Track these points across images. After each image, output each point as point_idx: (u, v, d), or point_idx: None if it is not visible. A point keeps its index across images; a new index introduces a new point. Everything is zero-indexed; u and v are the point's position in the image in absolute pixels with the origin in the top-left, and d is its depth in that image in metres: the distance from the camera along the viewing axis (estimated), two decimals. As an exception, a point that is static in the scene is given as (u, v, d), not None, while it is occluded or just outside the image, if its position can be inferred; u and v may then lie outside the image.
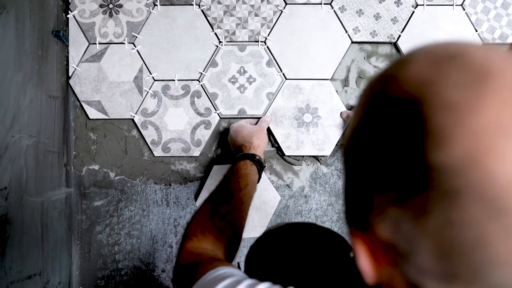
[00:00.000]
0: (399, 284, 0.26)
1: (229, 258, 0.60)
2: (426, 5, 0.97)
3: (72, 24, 0.99)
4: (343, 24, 0.97)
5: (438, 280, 0.22)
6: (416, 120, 0.21)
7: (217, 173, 0.97)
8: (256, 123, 0.94)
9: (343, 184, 0.27)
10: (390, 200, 0.22)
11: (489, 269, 0.20)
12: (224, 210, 0.64)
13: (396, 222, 0.23)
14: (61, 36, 0.94)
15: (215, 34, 0.98)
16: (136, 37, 0.98)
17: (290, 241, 0.57)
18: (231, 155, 0.89)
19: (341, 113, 0.96)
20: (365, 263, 0.26)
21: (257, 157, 0.79)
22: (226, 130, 0.99)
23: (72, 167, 1.00)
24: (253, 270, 0.55)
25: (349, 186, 0.27)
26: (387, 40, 0.97)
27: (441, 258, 0.21)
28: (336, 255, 0.52)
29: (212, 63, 0.98)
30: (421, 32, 0.96)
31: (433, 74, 0.22)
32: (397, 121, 0.22)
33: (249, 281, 0.39)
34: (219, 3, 0.98)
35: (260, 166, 0.79)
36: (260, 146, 0.83)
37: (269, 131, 0.97)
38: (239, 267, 0.52)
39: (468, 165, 0.19)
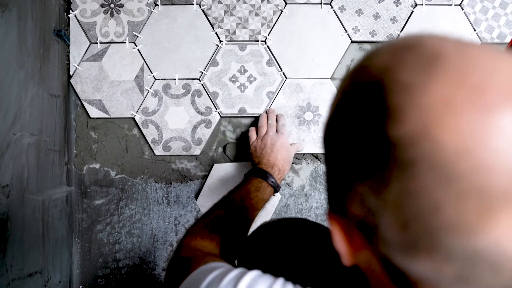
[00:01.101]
0: (375, 266, 0.27)
1: (225, 257, 0.60)
2: (425, 4, 0.97)
3: (73, 24, 0.99)
4: (343, 23, 0.98)
5: (403, 251, 0.24)
6: (378, 100, 0.23)
7: (217, 172, 0.97)
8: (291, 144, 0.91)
9: (324, 171, 0.29)
10: (359, 178, 0.25)
11: (444, 235, 0.22)
12: (228, 215, 0.65)
13: (363, 199, 0.25)
14: (63, 35, 0.94)
15: (216, 33, 0.99)
16: (137, 36, 0.99)
17: (282, 235, 0.58)
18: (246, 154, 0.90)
19: None
20: (341, 245, 0.28)
21: (279, 186, 0.79)
22: (227, 131, 1.00)
23: (73, 166, 1.00)
24: (245, 263, 0.56)
25: (328, 172, 0.29)
26: (387, 40, 0.98)
27: (402, 229, 0.23)
28: (326, 248, 0.52)
29: (212, 62, 0.99)
30: (420, 31, 0.97)
31: (392, 61, 0.24)
32: (363, 102, 0.24)
33: (237, 271, 0.39)
34: (220, 2, 0.99)
35: (275, 191, 0.79)
36: (285, 175, 0.83)
37: (256, 121, 0.96)
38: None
39: (420, 138, 0.21)
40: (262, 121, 0.92)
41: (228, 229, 0.63)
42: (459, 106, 0.21)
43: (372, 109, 0.24)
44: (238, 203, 0.68)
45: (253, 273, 0.38)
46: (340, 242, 0.28)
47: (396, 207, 0.23)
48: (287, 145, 0.87)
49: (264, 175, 0.77)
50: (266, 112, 0.95)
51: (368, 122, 0.24)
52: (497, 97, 0.21)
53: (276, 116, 0.94)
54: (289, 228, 0.59)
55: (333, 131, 0.27)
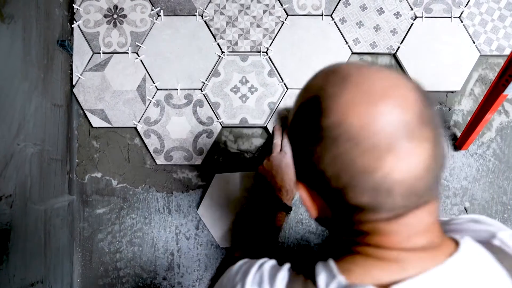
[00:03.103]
0: (328, 212, 0.42)
1: None
2: (425, 17, 0.99)
3: (76, 34, 1.00)
4: (344, 35, 0.99)
5: (338, 195, 0.38)
6: (317, 106, 0.38)
7: (219, 182, 0.98)
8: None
9: (292, 155, 0.44)
10: (311, 152, 0.39)
11: (358, 176, 0.36)
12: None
13: (316, 163, 0.39)
14: (66, 45, 0.95)
15: (218, 44, 1.00)
16: (140, 46, 1.00)
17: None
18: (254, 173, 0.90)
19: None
20: (307, 202, 0.43)
21: (290, 206, 0.83)
22: (228, 141, 1.01)
23: (75, 175, 1.01)
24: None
25: (294, 155, 0.43)
26: (387, 51, 0.99)
27: (337, 179, 0.37)
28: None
29: (214, 72, 1.00)
30: (420, 44, 0.98)
31: (323, 81, 0.40)
32: (309, 108, 0.39)
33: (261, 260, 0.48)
34: (222, 14, 1.00)
35: (287, 213, 0.84)
36: (294, 193, 0.85)
37: (271, 139, 0.98)
38: None
39: (340, 122, 0.36)
40: (277, 140, 0.91)
41: None
42: (358, 103, 0.36)
43: (314, 112, 0.38)
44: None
45: (272, 262, 0.47)
46: (306, 200, 0.43)
47: (331, 165, 0.37)
48: (291, 164, 0.86)
49: (274, 200, 0.82)
50: (278, 126, 0.94)
51: (312, 119, 0.38)
52: (376, 96, 0.36)
53: (283, 132, 0.92)
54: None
55: (295, 128, 0.41)
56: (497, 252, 0.41)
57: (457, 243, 0.41)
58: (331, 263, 0.41)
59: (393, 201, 0.36)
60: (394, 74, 0.39)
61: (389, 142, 0.35)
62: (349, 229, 0.41)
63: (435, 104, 0.41)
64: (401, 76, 0.39)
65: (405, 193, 0.36)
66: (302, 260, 0.46)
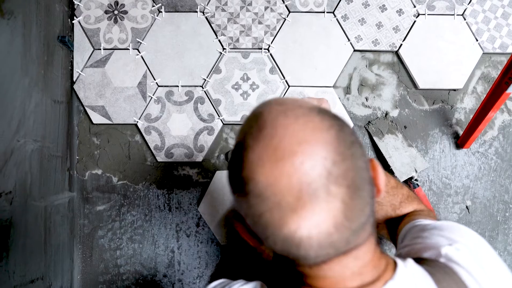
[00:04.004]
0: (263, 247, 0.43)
1: None
2: (428, 14, 0.98)
3: (77, 30, 1.00)
4: (346, 32, 0.98)
5: (261, 239, 0.39)
6: (240, 154, 0.38)
7: (219, 179, 0.97)
8: None
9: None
10: (235, 197, 0.40)
11: (268, 229, 0.36)
12: None
13: (239, 207, 0.40)
14: (66, 41, 0.94)
15: (219, 41, 0.99)
16: (141, 43, 0.99)
17: None
18: None
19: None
20: (244, 237, 0.43)
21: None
22: (229, 138, 1.00)
23: (75, 172, 1.01)
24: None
25: (233, 201, 0.42)
26: (389, 49, 0.98)
27: (254, 227, 0.38)
28: None
29: (215, 69, 0.99)
30: (422, 41, 0.97)
31: (247, 127, 0.39)
32: (235, 154, 0.39)
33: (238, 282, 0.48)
34: (223, 10, 1.00)
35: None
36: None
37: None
38: None
39: (249, 179, 0.36)
40: None
41: None
42: (265, 160, 0.36)
43: (237, 160, 0.38)
44: None
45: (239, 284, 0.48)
46: (245, 236, 0.44)
47: (246, 216, 0.38)
48: None
49: None
50: None
51: (235, 167, 0.38)
52: (283, 154, 0.35)
53: None
54: None
55: (229, 173, 0.41)
56: (439, 270, 0.42)
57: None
58: None
59: (305, 253, 0.36)
60: (311, 125, 0.37)
61: (292, 202, 0.34)
62: (291, 269, 0.42)
63: (358, 155, 0.38)
64: (318, 128, 0.37)
65: (315, 247, 0.36)
66: (273, 279, 0.47)
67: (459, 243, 0.45)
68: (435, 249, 0.45)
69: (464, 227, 0.50)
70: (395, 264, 0.42)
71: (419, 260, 0.44)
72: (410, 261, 0.42)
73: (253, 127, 0.38)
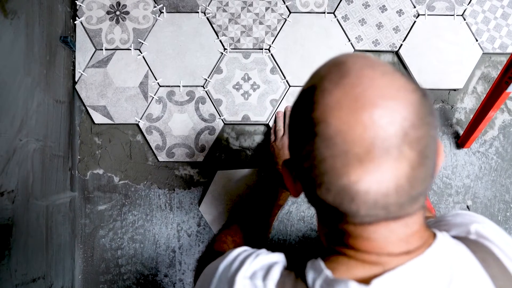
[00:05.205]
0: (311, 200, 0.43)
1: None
2: (428, 15, 0.99)
3: (79, 30, 1.00)
4: (346, 32, 0.99)
5: (315, 185, 0.38)
6: (311, 96, 0.37)
7: (220, 179, 0.98)
8: None
9: (288, 143, 0.43)
10: (295, 139, 0.39)
11: (326, 175, 0.36)
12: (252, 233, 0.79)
13: (297, 149, 0.39)
14: (69, 41, 0.95)
15: (220, 41, 1.00)
16: (142, 43, 1.00)
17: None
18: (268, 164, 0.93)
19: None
20: (289, 185, 0.44)
21: None
22: (230, 138, 1.01)
23: (77, 171, 1.01)
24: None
25: (290, 142, 0.42)
26: (389, 49, 0.99)
27: (312, 170, 0.37)
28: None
29: (216, 69, 1.00)
30: (422, 41, 0.98)
31: (325, 71, 0.39)
32: (305, 96, 0.39)
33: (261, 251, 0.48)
34: (224, 11, 1.00)
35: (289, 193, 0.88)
36: None
37: (268, 134, 0.98)
38: None
39: (320, 121, 0.36)
40: (279, 124, 0.96)
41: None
42: (343, 106, 0.35)
43: (307, 102, 0.38)
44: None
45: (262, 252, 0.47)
46: (288, 182, 0.44)
47: (305, 158, 0.37)
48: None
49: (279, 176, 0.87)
50: (280, 112, 0.98)
51: (304, 108, 0.38)
52: (363, 104, 0.34)
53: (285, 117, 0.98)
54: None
55: (292, 111, 0.41)
56: (472, 245, 0.42)
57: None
58: (319, 261, 0.41)
59: (356, 208, 0.36)
60: (397, 83, 0.36)
61: (361, 153, 0.34)
62: (333, 226, 0.41)
63: (434, 126, 0.37)
64: (404, 87, 0.36)
65: (369, 205, 0.35)
66: (297, 257, 0.46)
67: (484, 223, 0.46)
68: (462, 227, 0.45)
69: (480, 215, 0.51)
70: (435, 236, 0.42)
71: None
72: (446, 234, 0.42)
73: (334, 73, 0.37)
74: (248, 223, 0.81)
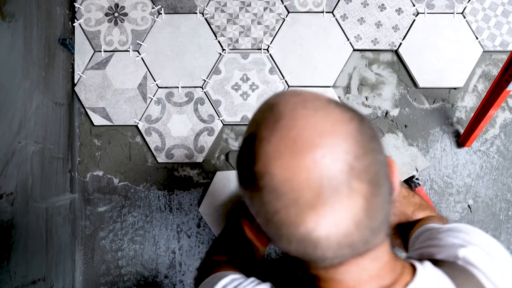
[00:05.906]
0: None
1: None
2: (427, 13, 0.98)
3: (78, 32, 1.00)
4: (345, 32, 0.98)
5: (271, 239, 0.37)
6: (251, 146, 0.36)
7: (220, 180, 0.97)
8: None
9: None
10: (245, 193, 0.38)
11: (282, 228, 0.34)
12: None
13: (250, 203, 0.38)
14: (67, 44, 0.95)
15: (219, 42, 1.00)
16: (141, 45, 1.00)
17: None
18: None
19: None
20: (250, 237, 0.42)
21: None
22: (229, 139, 1.00)
23: (77, 173, 1.01)
24: None
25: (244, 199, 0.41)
26: (389, 48, 0.98)
27: (266, 226, 0.36)
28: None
29: (215, 70, 0.99)
30: (422, 40, 0.97)
31: (261, 118, 0.37)
32: (246, 147, 0.37)
33: (250, 279, 0.46)
34: (223, 11, 1.00)
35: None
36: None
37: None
38: None
39: (264, 173, 0.34)
40: None
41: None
42: (283, 153, 0.33)
43: (248, 154, 0.36)
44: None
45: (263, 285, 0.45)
46: (251, 236, 0.42)
47: (258, 213, 0.36)
48: None
49: None
50: None
51: (246, 161, 0.36)
52: (302, 147, 0.33)
53: None
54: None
55: (238, 163, 0.39)
56: (458, 272, 0.41)
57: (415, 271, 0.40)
58: None
59: (322, 253, 0.34)
60: (332, 116, 0.35)
61: (311, 198, 0.32)
62: (304, 272, 0.40)
63: (379, 150, 0.36)
64: (339, 120, 0.35)
65: (334, 248, 0.34)
66: (284, 280, 0.46)
67: (475, 245, 0.44)
68: (451, 251, 0.44)
69: (478, 229, 0.49)
70: (411, 266, 0.41)
71: (435, 262, 0.42)
72: (427, 264, 0.41)
73: (268, 118, 0.36)
74: (235, 259, 0.75)
